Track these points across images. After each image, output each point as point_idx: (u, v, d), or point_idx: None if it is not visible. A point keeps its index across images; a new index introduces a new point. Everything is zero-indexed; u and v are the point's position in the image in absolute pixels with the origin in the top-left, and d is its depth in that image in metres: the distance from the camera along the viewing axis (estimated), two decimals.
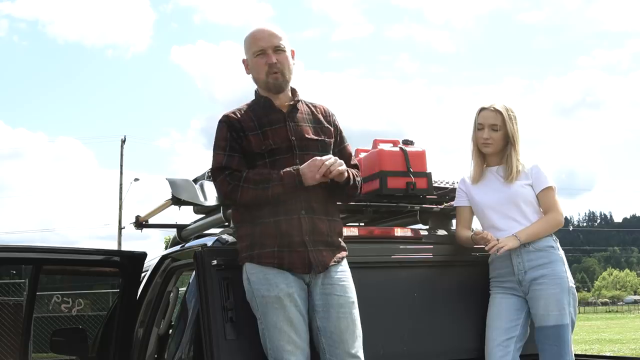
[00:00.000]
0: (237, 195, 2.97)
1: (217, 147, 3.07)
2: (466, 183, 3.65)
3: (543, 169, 3.53)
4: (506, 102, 3.57)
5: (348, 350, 2.95)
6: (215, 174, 3.05)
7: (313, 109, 3.22)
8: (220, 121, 3.12)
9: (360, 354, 2.98)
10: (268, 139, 3.04)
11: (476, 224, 3.69)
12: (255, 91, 3.21)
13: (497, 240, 3.39)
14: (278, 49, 3.10)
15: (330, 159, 2.97)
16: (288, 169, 2.98)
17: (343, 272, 3.06)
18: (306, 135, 3.10)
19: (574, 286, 3.50)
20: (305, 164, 2.98)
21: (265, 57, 3.09)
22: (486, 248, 3.41)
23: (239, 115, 3.11)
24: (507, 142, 3.53)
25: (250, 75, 3.20)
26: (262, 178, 2.97)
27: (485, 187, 3.57)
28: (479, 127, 3.56)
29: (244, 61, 3.21)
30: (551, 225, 3.48)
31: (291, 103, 3.15)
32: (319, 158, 2.97)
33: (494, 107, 3.53)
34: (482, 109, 3.57)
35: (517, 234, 3.42)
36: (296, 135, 3.08)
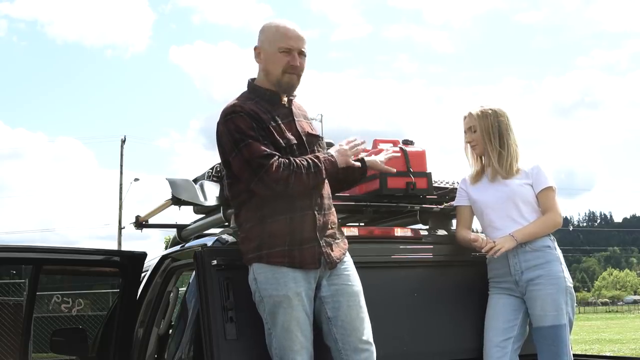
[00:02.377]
0: (292, 181, 2.89)
1: (248, 137, 2.92)
2: (467, 183, 3.66)
3: (544, 169, 3.53)
4: (486, 104, 3.62)
5: (360, 337, 2.98)
6: (262, 161, 2.87)
7: (299, 105, 3.24)
8: (235, 112, 2.97)
9: (372, 340, 3.01)
10: (285, 133, 3.02)
11: (476, 224, 3.69)
12: (254, 84, 3.14)
13: (494, 242, 3.39)
14: (302, 54, 3.10)
15: (355, 140, 3.14)
16: (321, 155, 3.03)
17: (347, 262, 3.09)
18: (309, 131, 3.13)
19: (572, 286, 3.50)
20: (333, 149, 3.10)
21: (290, 56, 3.06)
22: (483, 251, 3.42)
23: (252, 107, 3.00)
24: (489, 140, 3.57)
25: (260, 65, 3.13)
26: (309, 163, 2.95)
27: (484, 186, 3.58)
28: (465, 132, 3.66)
29: (256, 49, 3.12)
30: (549, 226, 3.48)
31: (291, 98, 3.16)
32: (342, 144, 3.12)
33: (469, 112, 3.63)
34: (463, 118, 3.67)
35: (514, 233, 3.42)
36: (302, 131, 3.10)
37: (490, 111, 3.58)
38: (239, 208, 3.08)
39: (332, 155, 3.05)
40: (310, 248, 2.97)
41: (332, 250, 3.04)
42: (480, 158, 3.64)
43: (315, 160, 2.98)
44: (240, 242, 3.05)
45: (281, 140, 2.98)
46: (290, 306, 2.90)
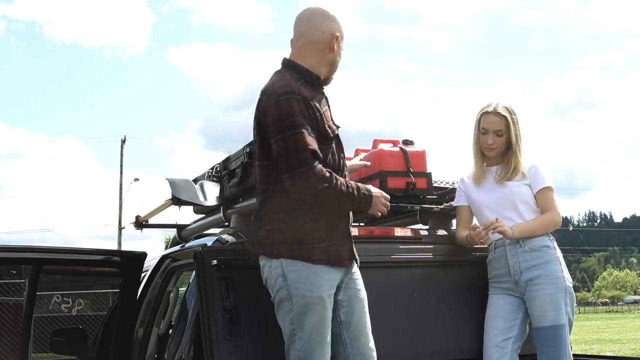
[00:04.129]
0: (323, 196, 2.77)
1: (297, 125, 2.74)
2: (465, 183, 3.65)
3: (541, 169, 3.52)
4: (507, 103, 3.55)
5: (367, 343, 2.98)
6: (305, 158, 2.72)
7: None
8: (292, 93, 2.79)
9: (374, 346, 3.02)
10: (329, 121, 2.94)
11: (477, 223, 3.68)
12: (301, 65, 2.96)
13: (496, 220, 3.36)
14: None
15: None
16: (364, 191, 2.89)
17: (356, 267, 3.07)
18: (336, 123, 3.04)
19: (572, 286, 3.49)
20: (379, 194, 2.95)
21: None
22: (481, 229, 3.39)
23: (304, 90, 2.85)
24: (510, 145, 3.52)
25: (324, 52, 2.98)
26: (347, 190, 2.82)
27: (483, 187, 3.57)
28: (482, 131, 3.53)
29: (337, 37, 2.99)
30: (547, 225, 3.47)
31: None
32: (387, 196, 2.98)
33: (497, 112, 3.50)
34: (485, 113, 3.53)
35: (513, 227, 3.41)
36: (334, 120, 3.03)
37: (515, 118, 3.52)
38: (272, 194, 2.87)
39: (371, 196, 2.90)
40: (347, 244, 2.95)
41: (354, 246, 3.02)
42: (485, 157, 3.59)
43: (354, 192, 2.85)
44: (267, 233, 2.87)
45: (329, 130, 2.90)
46: (324, 308, 2.83)
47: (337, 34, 2.99)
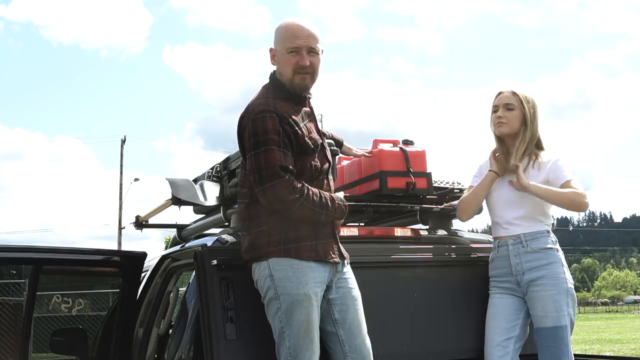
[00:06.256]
0: (294, 207, 2.85)
1: (269, 141, 2.85)
2: (482, 171, 3.60)
3: (562, 164, 3.46)
4: (524, 89, 3.53)
5: (364, 340, 3.01)
6: (273, 173, 2.83)
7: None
8: (264, 111, 2.90)
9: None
10: (311, 133, 3.02)
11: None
12: (281, 81, 3.06)
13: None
14: (312, 51, 3.03)
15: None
16: (338, 201, 3.00)
17: (348, 266, 3.10)
18: (320, 133, 3.13)
19: (573, 287, 3.47)
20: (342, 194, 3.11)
21: (299, 56, 3.00)
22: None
23: (284, 107, 2.96)
24: (525, 123, 3.46)
25: (275, 67, 3.11)
26: (320, 201, 2.91)
27: (501, 180, 3.53)
28: (494, 109, 3.52)
29: (271, 50, 3.10)
30: (567, 198, 3.37)
31: (309, 97, 3.13)
32: None
33: (510, 90, 3.50)
34: (499, 93, 3.54)
35: (531, 183, 3.37)
36: (319, 131, 3.11)
37: (531, 101, 3.48)
38: (255, 199, 2.94)
39: (346, 206, 3.04)
40: (333, 243, 3.00)
41: (342, 246, 3.07)
42: (507, 148, 3.52)
43: (329, 203, 2.95)
44: (255, 235, 2.94)
45: (310, 142, 2.97)
46: (310, 305, 2.88)
47: (272, 47, 3.09)
